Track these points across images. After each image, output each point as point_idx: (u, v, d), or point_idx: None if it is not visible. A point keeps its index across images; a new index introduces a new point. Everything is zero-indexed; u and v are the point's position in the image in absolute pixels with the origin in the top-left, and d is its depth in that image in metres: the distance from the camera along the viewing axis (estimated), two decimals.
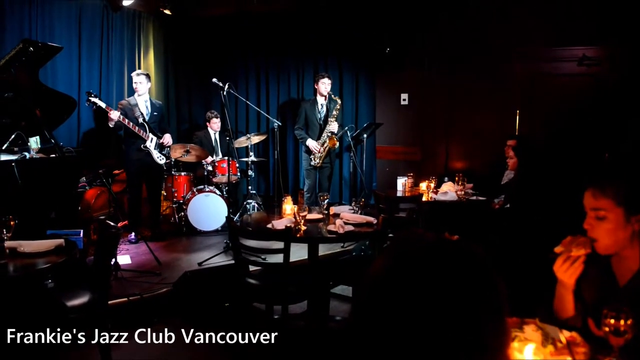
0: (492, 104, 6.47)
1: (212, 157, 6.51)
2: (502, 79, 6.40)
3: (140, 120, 5.51)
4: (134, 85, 5.64)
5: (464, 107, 6.65)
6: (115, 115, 5.28)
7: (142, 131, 5.49)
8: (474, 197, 5.01)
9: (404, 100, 7.05)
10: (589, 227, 1.71)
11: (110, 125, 5.40)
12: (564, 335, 1.53)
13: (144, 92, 5.67)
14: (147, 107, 5.68)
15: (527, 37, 6.17)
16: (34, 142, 4.43)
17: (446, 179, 5.54)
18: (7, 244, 2.74)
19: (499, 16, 6.29)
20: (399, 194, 5.32)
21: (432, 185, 5.23)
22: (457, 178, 5.21)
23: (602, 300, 1.62)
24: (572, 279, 1.71)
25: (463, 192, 4.98)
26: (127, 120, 5.37)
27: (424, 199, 4.99)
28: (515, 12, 6.19)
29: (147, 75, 5.74)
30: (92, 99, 5.19)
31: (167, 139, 5.72)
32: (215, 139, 6.80)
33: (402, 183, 5.39)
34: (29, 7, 5.49)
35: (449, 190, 4.99)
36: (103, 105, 5.25)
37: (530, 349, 1.48)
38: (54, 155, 4.37)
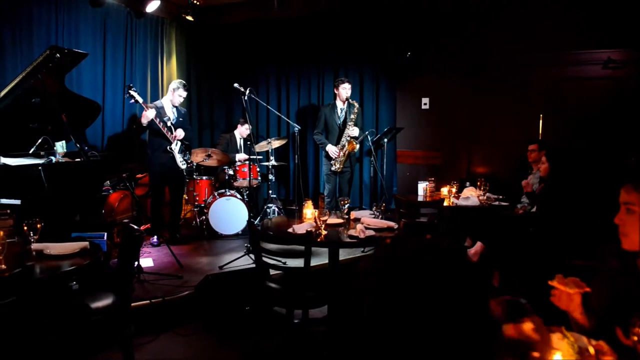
0: (515, 108, 6.39)
1: (236, 160, 6.55)
2: (525, 82, 6.32)
3: (169, 123, 5.60)
4: (178, 98, 5.76)
5: (486, 112, 6.58)
6: (152, 113, 5.38)
7: (169, 133, 5.56)
8: (497, 202, 4.94)
9: (425, 104, 7.02)
10: (619, 222, 1.76)
11: (143, 123, 5.47)
12: (591, 344, 1.50)
13: (178, 104, 5.83)
14: (173, 112, 5.77)
15: (550, 40, 6.08)
16: (60, 146, 4.51)
17: (468, 183, 5.49)
18: (34, 246, 2.79)
19: (521, 19, 6.22)
20: (420, 198, 5.28)
21: (454, 190, 5.18)
22: (479, 183, 5.16)
23: (631, 309, 1.59)
24: (570, 307, 1.74)
25: (485, 197, 4.92)
26: (158, 120, 5.45)
27: (445, 203, 4.94)
28: (538, 16, 6.12)
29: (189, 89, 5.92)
30: (132, 92, 5.31)
31: (179, 132, 5.71)
32: (240, 143, 6.86)
33: (423, 188, 5.35)
34: (56, 14, 5.62)
35: (471, 195, 4.94)
36: (140, 100, 5.37)
37: (557, 358, 1.45)
38: (79, 160, 4.45)
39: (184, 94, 5.79)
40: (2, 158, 4.08)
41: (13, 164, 3.99)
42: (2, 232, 2.53)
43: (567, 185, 4.25)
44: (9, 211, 3.01)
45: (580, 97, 6.04)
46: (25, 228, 2.83)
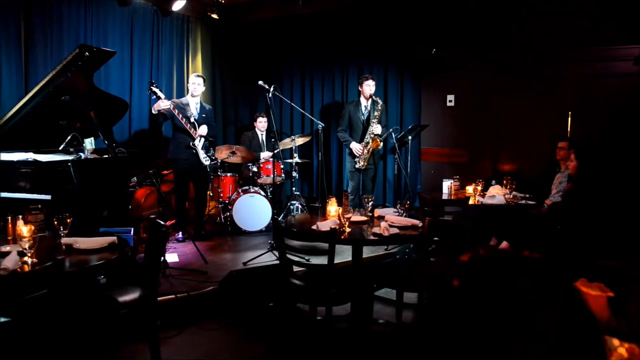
0: (543, 105, 6.28)
1: (260, 157, 6.59)
2: (553, 79, 6.20)
3: (192, 119, 5.64)
4: (191, 87, 5.79)
5: (513, 109, 6.48)
6: (164, 104, 5.39)
7: (192, 129, 5.61)
8: (523, 201, 4.86)
9: (450, 101, 6.94)
10: None
11: (153, 111, 5.50)
12: (623, 347, 1.46)
13: (198, 94, 5.83)
14: (197, 108, 5.82)
15: (579, 36, 5.96)
16: (89, 143, 4.60)
17: (493, 182, 5.41)
18: (64, 240, 2.86)
19: (550, 15, 6.09)
20: (445, 197, 5.23)
21: (479, 188, 5.11)
22: (505, 181, 5.08)
23: None
24: (597, 309, 1.72)
25: (511, 196, 4.84)
26: (177, 111, 5.50)
27: (470, 202, 4.88)
28: (567, 11, 5.98)
29: (204, 79, 5.91)
30: (154, 89, 5.37)
31: (202, 129, 5.73)
32: (263, 139, 6.89)
33: (447, 186, 5.30)
34: (85, 13, 5.73)
35: (497, 194, 4.86)
36: (162, 96, 5.42)
37: None
38: (107, 156, 4.53)
39: (196, 80, 5.78)
40: (33, 154, 4.19)
41: (44, 160, 4.08)
42: (33, 227, 2.59)
43: (596, 184, 4.16)
44: (40, 206, 3.08)
45: (610, 93, 5.90)
46: (56, 222, 2.90)
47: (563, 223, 4.30)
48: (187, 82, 5.89)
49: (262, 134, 6.89)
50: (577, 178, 4.52)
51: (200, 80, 5.83)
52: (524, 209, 4.78)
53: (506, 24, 6.34)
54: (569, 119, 6.16)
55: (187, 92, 5.93)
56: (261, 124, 6.83)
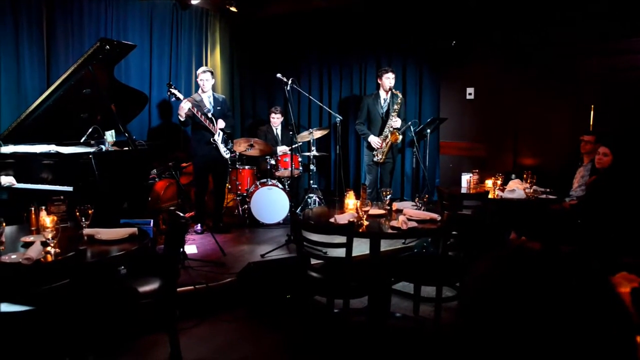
0: (564, 98, 6.16)
1: (277, 152, 6.59)
2: (575, 72, 6.08)
3: (209, 115, 5.66)
4: (200, 83, 5.76)
5: (534, 102, 6.37)
6: (186, 105, 5.38)
7: (211, 125, 5.63)
8: (544, 196, 4.79)
9: (470, 94, 6.86)
10: None
11: (181, 118, 5.51)
12: None
13: (208, 89, 5.80)
14: (210, 102, 5.81)
15: (601, 28, 5.82)
16: (110, 135, 4.66)
17: (513, 176, 5.36)
18: (85, 231, 2.90)
19: (571, 7, 5.96)
20: (464, 190, 5.17)
21: (499, 182, 5.05)
22: (525, 175, 5.01)
23: None
24: None
25: (532, 190, 4.78)
26: (196, 109, 5.50)
27: (490, 196, 4.83)
28: (589, 3, 5.84)
29: (212, 72, 5.88)
30: (172, 90, 5.36)
31: (220, 123, 5.72)
32: (278, 134, 6.89)
33: (466, 180, 5.24)
34: (105, 7, 5.78)
35: (517, 188, 4.81)
36: (181, 96, 5.41)
37: None
38: (127, 148, 4.58)
39: (204, 76, 5.72)
40: (55, 146, 4.25)
41: (66, 152, 4.15)
42: (56, 217, 2.63)
43: (624, 179, 4.08)
44: (62, 197, 3.13)
45: (633, 87, 5.76)
46: (77, 214, 2.94)
47: (584, 218, 4.23)
48: (196, 78, 5.83)
49: (276, 129, 6.89)
50: (609, 173, 4.40)
51: (208, 74, 5.77)
52: (544, 204, 4.72)
53: (527, 17, 6.23)
54: (592, 112, 6.04)
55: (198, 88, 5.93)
56: (274, 119, 6.82)
